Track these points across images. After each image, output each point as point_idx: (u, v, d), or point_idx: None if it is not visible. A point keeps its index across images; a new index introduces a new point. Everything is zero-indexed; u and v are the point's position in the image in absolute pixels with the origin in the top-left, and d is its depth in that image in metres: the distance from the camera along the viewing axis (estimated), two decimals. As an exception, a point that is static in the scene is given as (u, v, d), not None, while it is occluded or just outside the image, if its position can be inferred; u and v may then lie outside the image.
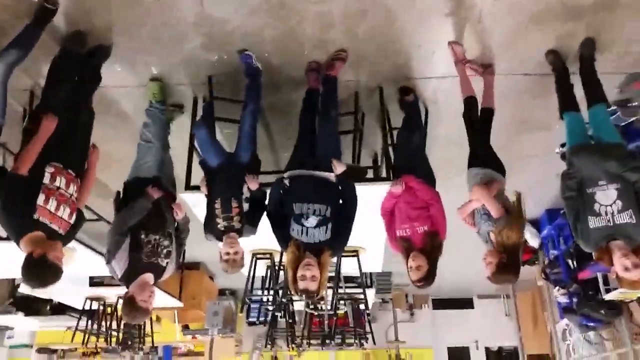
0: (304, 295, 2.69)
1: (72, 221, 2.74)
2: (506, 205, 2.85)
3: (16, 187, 2.57)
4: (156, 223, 3.06)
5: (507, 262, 2.74)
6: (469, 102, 3.30)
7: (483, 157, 3.15)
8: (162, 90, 3.58)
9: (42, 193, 2.58)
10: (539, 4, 2.94)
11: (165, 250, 3.04)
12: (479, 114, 3.33)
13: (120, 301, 6.18)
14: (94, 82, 3.27)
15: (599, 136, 2.98)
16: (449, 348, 9.69)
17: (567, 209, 2.84)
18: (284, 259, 4.53)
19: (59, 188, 2.66)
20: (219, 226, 3.06)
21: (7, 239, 4.32)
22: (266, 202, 3.22)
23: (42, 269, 2.49)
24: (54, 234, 2.62)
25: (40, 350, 8.94)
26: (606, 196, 2.70)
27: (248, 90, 3.33)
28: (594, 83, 3.15)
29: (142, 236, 2.96)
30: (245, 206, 3.13)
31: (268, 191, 3.19)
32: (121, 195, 3.28)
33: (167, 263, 3.05)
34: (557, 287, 6.15)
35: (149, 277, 2.95)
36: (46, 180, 2.63)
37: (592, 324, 5.68)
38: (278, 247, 3.11)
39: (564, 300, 6.07)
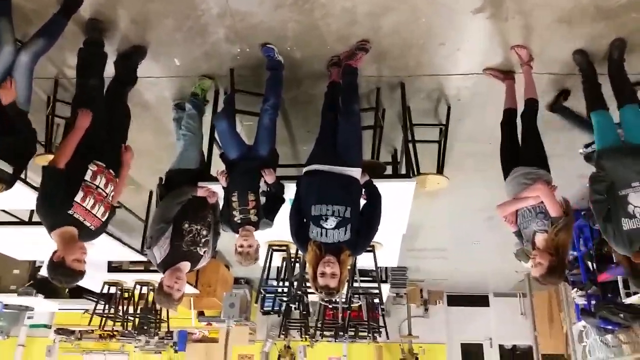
0: (323, 293, 2.68)
1: (104, 219, 2.81)
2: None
3: (55, 181, 2.64)
4: (199, 214, 3.15)
5: (558, 264, 2.70)
6: (531, 103, 3.27)
7: (538, 157, 3.10)
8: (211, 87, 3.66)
9: (81, 190, 2.65)
10: (569, 4, 2.87)
11: (203, 240, 3.13)
12: (524, 106, 3.31)
13: (138, 287, 6.38)
14: (130, 82, 3.34)
15: (630, 137, 2.92)
16: (462, 344, 9.66)
17: (595, 212, 2.79)
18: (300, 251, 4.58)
19: (97, 187, 2.74)
20: (235, 219, 3.09)
21: (27, 223, 4.47)
22: (284, 197, 3.23)
23: (59, 272, 2.57)
24: (85, 230, 2.70)
25: (59, 331, 9.15)
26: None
27: (269, 84, 3.32)
28: (624, 83, 3.08)
29: (186, 225, 3.05)
30: (262, 200, 3.15)
31: (285, 184, 3.21)
32: (163, 182, 3.37)
33: (204, 252, 3.14)
34: (574, 289, 6.08)
35: (184, 265, 3.04)
36: (87, 177, 2.70)
37: (610, 327, 5.61)
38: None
39: (581, 301, 6.00)
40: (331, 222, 2.76)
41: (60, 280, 2.61)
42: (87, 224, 2.70)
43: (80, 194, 2.64)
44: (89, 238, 2.81)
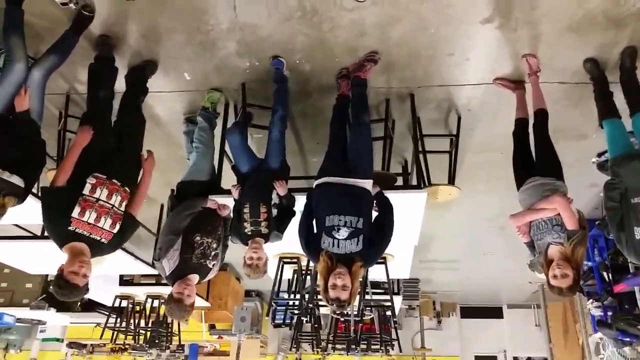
0: (334, 305, 2.66)
1: (115, 230, 2.77)
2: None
3: (50, 200, 2.69)
4: (211, 227, 3.16)
5: (578, 277, 2.68)
6: (541, 114, 3.25)
7: (554, 168, 3.07)
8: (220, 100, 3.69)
9: (77, 205, 2.64)
10: (578, 13, 2.86)
11: (213, 253, 3.12)
12: (534, 117, 3.28)
13: (150, 300, 6.39)
14: (140, 92, 3.37)
15: None
16: (476, 357, 9.53)
17: (609, 219, 2.76)
18: (311, 263, 4.57)
19: (98, 200, 2.72)
20: (246, 230, 3.09)
21: (39, 237, 4.50)
22: (294, 209, 3.22)
23: (56, 285, 2.57)
24: (96, 244, 2.70)
25: (71, 345, 9.16)
26: None
27: (276, 96, 3.34)
28: (636, 91, 3.05)
29: (197, 238, 3.05)
30: (274, 212, 3.15)
31: (296, 196, 3.20)
32: (175, 194, 3.38)
33: (213, 265, 3.14)
34: (590, 300, 5.98)
35: (193, 277, 3.03)
36: (86, 191, 2.69)
37: (627, 339, 5.50)
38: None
39: (597, 313, 5.88)
40: (343, 233, 2.74)
41: (56, 292, 2.57)
42: (96, 237, 2.69)
43: (77, 209, 2.64)
44: (107, 251, 2.80)
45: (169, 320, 6.50)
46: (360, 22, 2.97)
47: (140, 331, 6.55)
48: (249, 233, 3.09)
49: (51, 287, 2.62)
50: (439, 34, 3.07)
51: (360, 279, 4.19)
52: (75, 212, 2.63)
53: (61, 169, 2.74)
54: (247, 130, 3.47)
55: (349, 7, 2.86)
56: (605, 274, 5.61)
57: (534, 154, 3.25)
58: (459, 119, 3.91)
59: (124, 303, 6.52)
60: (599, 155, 4.11)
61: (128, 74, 3.38)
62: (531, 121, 3.32)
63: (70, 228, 2.62)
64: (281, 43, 3.16)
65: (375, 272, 4.77)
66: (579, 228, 2.72)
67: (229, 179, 3.38)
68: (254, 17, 2.97)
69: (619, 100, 3.09)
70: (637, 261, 2.72)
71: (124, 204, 2.85)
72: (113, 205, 2.78)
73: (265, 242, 3.13)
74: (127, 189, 2.88)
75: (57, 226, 2.65)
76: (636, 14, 2.84)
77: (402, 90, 3.61)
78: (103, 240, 2.73)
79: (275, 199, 3.16)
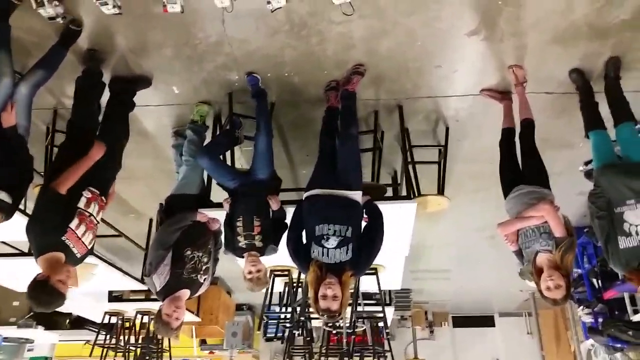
0: (325, 315, 2.64)
1: (90, 247, 2.77)
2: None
3: (54, 204, 2.62)
4: (201, 241, 3.12)
5: (569, 284, 2.69)
6: (527, 123, 3.28)
7: (540, 176, 3.10)
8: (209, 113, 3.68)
9: (76, 217, 2.63)
10: (563, 24, 2.90)
11: (204, 267, 3.09)
12: (520, 127, 3.32)
13: (139, 316, 6.32)
14: (128, 104, 3.35)
15: (627, 155, 2.92)
16: (469, 366, 9.54)
17: (598, 229, 2.76)
18: (302, 276, 4.55)
19: (90, 214, 2.71)
20: (240, 244, 3.07)
21: (27, 254, 4.43)
22: (286, 222, 3.21)
23: (41, 292, 2.49)
24: (71, 256, 2.66)
25: (60, 363, 9.01)
26: (636, 215, 2.63)
27: (257, 110, 3.34)
28: (620, 101, 3.09)
29: (188, 252, 3.00)
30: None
31: (287, 209, 3.19)
32: (164, 208, 3.35)
33: (204, 279, 3.10)
34: (581, 307, 6.02)
35: (184, 292, 2.99)
36: (81, 204, 2.68)
37: (619, 345, 5.52)
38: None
39: (588, 319, 5.93)
40: (332, 242, 2.74)
41: (40, 299, 2.50)
42: (75, 250, 2.67)
43: (75, 221, 2.62)
44: (73, 265, 2.74)
45: (160, 336, 6.43)
46: (348, 35, 2.99)
47: (131, 348, 6.46)
48: (243, 246, 3.07)
49: (30, 294, 2.46)
50: (426, 47, 3.10)
51: (352, 290, 4.18)
52: (73, 224, 2.62)
53: (67, 177, 2.65)
54: (220, 150, 3.42)
55: (337, 20, 2.88)
56: (595, 280, 5.66)
57: (520, 163, 3.28)
58: (447, 129, 3.93)
59: (114, 319, 6.43)
60: (586, 163, 4.15)
61: (114, 83, 3.33)
62: (518, 131, 3.35)
63: (62, 238, 2.59)
64: (270, 56, 3.17)
65: (367, 283, 4.76)
66: (566, 235, 2.74)
67: (219, 192, 3.36)
68: (242, 31, 2.98)
69: (604, 109, 3.13)
70: (622, 271, 2.72)
71: (100, 214, 2.84)
72: (97, 223, 2.78)
73: (261, 256, 3.11)
74: (103, 198, 2.87)
75: (50, 232, 2.59)
76: (619, 24, 2.89)
77: (390, 102, 3.64)
78: (78, 254, 2.71)
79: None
